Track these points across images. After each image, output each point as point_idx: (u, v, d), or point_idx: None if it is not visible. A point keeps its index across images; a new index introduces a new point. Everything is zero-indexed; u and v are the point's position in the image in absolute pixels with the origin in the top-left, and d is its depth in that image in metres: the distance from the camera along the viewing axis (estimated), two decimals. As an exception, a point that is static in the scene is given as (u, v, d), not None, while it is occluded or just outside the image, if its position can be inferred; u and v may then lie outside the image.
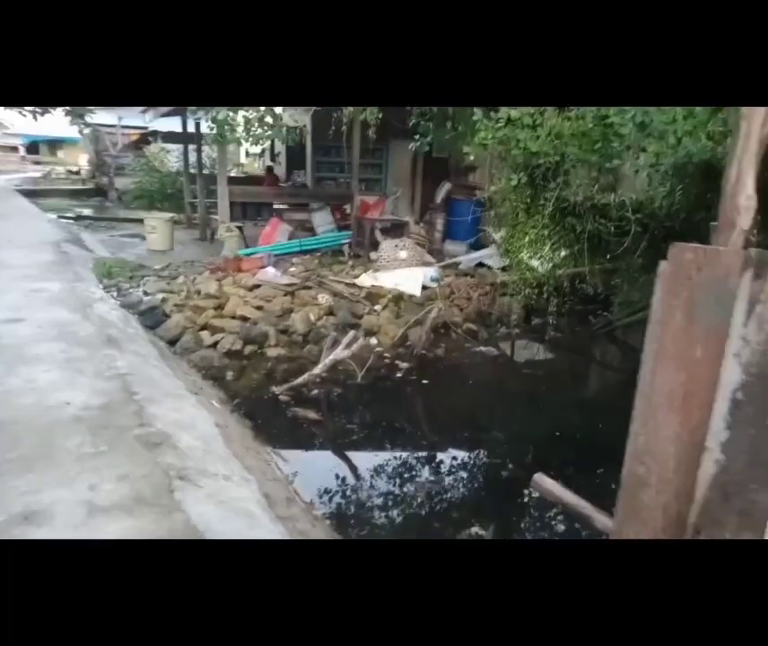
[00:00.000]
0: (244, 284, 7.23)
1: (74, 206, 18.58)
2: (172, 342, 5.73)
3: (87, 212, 16.82)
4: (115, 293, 6.72)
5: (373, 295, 7.15)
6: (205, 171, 13.73)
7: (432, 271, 7.75)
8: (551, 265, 5.74)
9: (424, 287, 7.46)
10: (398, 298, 7.05)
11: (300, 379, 4.66)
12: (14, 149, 38.03)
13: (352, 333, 5.04)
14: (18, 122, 35.44)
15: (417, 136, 7.38)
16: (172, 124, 19.15)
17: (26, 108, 19.68)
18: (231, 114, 7.42)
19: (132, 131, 21.44)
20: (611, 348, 6.79)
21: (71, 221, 13.64)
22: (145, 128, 21.39)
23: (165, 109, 12.18)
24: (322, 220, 10.10)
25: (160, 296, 6.63)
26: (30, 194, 19.97)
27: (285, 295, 7.02)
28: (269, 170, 14.19)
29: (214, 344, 5.71)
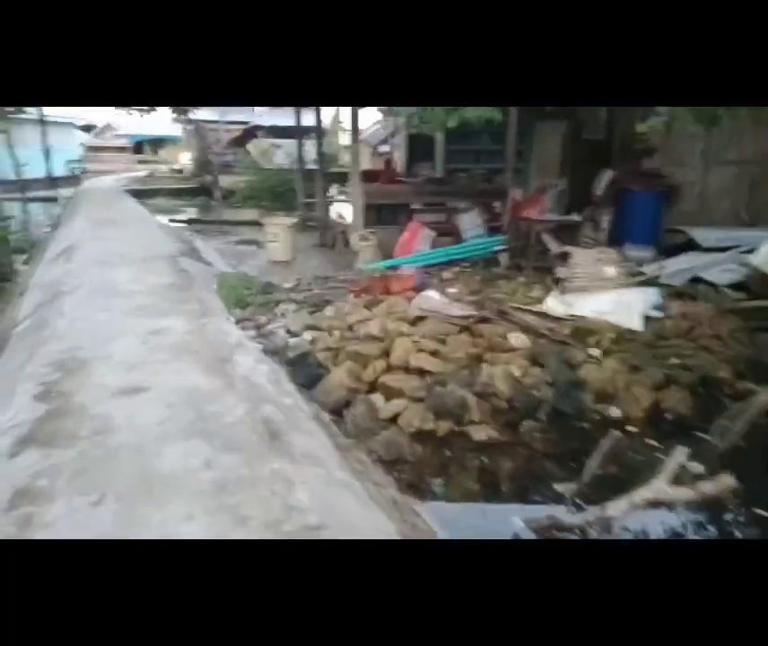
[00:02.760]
0: (402, 315, 5.46)
1: (180, 207, 17.81)
2: (337, 411, 4.03)
3: (194, 213, 15.89)
4: (252, 332, 5.14)
5: (581, 331, 5.15)
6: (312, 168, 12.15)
7: (651, 294, 5.62)
8: None
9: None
10: (620, 336, 5.02)
11: (576, 520, 2.76)
12: (122, 149, 38.96)
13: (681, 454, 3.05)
14: (123, 122, 36.21)
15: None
16: (279, 118, 17.93)
17: (133, 107, 19.15)
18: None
19: (235, 127, 20.47)
20: None
21: (182, 225, 12.57)
22: (247, 124, 20.40)
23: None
24: (470, 223, 8.18)
25: (308, 336, 4.98)
26: (137, 194, 19.52)
27: (461, 331, 5.18)
28: (387, 163, 12.47)
29: (394, 418, 3.95)
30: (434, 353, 4.73)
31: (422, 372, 4.46)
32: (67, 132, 25.64)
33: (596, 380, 4.39)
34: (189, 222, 13.10)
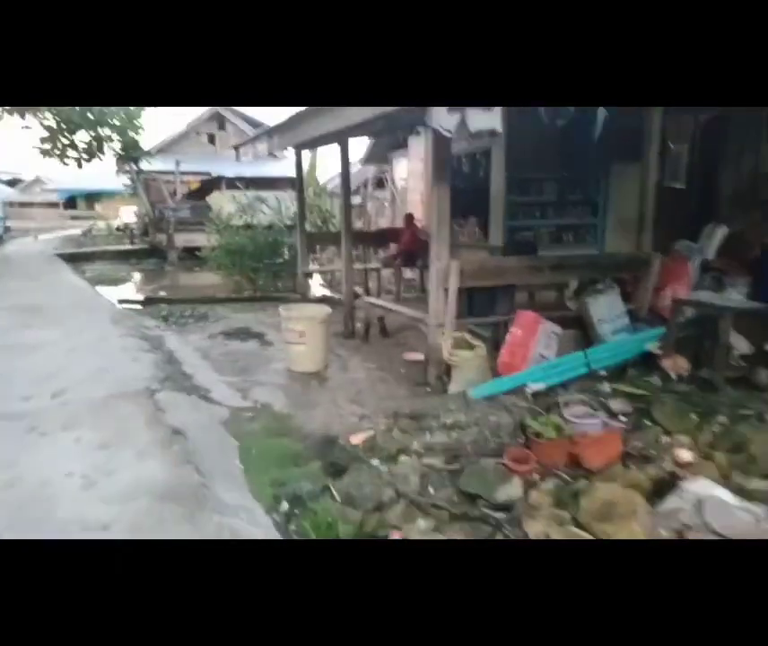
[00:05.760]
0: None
1: (127, 273, 14.26)
2: None
3: (149, 284, 12.44)
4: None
5: None
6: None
7: None
8: None
9: None
10: None
11: None
12: (53, 205, 34.43)
13: None
14: (56, 176, 31.85)
15: None
16: (246, 168, 14.84)
17: (69, 157, 15.57)
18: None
19: (192, 177, 17.13)
20: None
21: (137, 306, 9.08)
22: (208, 174, 17.12)
23: (271, 147, 7.67)
24: (609, 310, 5.35)
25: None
26: (74, 258, 15.76)
27: None
28: (409, 218, 9.57)
29: None
30: None
31: None
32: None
33: None
34: (146, 302, 9.63)
